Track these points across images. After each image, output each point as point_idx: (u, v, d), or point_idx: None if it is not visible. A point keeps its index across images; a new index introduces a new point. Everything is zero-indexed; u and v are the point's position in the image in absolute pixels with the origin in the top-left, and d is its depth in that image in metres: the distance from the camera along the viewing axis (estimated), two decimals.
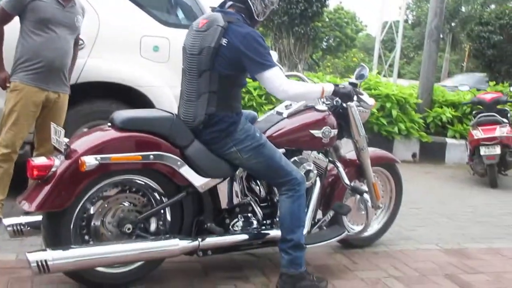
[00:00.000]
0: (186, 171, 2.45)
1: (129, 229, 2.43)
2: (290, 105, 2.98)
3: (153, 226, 2.56)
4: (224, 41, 2.41)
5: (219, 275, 2.76)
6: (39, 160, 2.25)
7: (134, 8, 3.93)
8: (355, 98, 2.89)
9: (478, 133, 6.17)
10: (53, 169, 2.22)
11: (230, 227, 2.69)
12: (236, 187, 2.69)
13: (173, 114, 2.55)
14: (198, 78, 2.49)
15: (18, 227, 2.50)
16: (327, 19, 37.65)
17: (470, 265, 3.31)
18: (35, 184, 2.29)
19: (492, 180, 6.15)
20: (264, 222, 2.81)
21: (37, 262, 2.09)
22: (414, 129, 7.52)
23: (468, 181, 6.44)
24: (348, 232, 3.16)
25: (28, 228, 2.51)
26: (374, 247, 3.46)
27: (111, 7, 3.87)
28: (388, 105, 7.34)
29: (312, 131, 2.84)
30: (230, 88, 2.53)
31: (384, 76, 25.22)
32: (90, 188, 2.33)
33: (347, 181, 3.08)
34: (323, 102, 3.01)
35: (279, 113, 2.93)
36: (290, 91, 2.51)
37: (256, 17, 2.57)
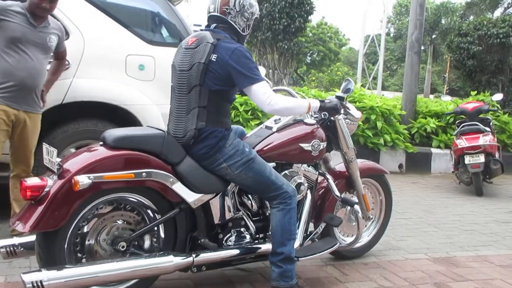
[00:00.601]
0: (179, 188, 2.46)
1: (123, 246, 2.43)
2: (279, 119, 3.02)
3: (147, 243, 2.56)
4: (213, 57, 2.47)
5: None
6: (32, 181, 2.24)
7: (118, 27, 3.95)
8: (342, 111, 2.94)
9: (462, 142, 6.24)
10: (46, 189, 2.22)
11: (224, 242, 2.69)
12: (228, 202, 2.69)
13: (164, 131, 2.56)
14: (188, 93, 2.54)
15: (11, 248, 2.48)
16: (310, 34, 38.18)
17: (459, 273, 3.34)
18: (28, 205, 2.28)
19: (477, 188, 6.21)
20: (257, 236, 2.82)
21: (32, 283, 2.08)
22: (399, 140, 7.60)
23: (454, 190, 6.51)
24: (340, 244, 3.19)
25: (22, 249, 2.50)
26: (364, 258, 3.47)
27: (95, 27, 3.88)
28: (373, 117, 7.42)
29: (301, 145, 2.88)
30: (219, 103, 2.57)
31: (368, 88, 25.49)
32: (84, 207, 2.33)
33: (337, 193, 3.13)
34: (311, 116, 3.05)
35: (269, 128, 2.98)
36: (277, 105, 2.54)
37: (241, 32, 2.66)
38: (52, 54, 3.41)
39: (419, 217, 4.92)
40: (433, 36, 33.72)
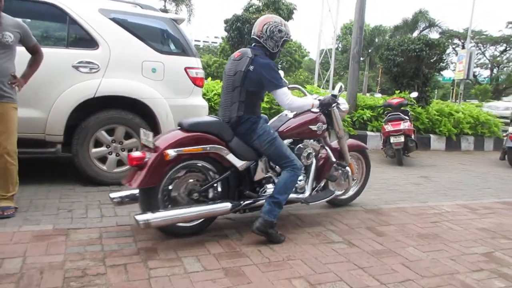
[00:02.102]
0: (231, 157, 2.71)
1: (195, 196, 2.69)
2: None
3: (210, 194, 2.78)
4: (251, 68, 2.68)
5: (206, 235, 2.76)
6: (136, 154, 2.51)
7: (136, 40, 3.86)
8: (334, 105, 3.21)
9: (388, 127, 6.30)
10: (146, 159, 2.47)
11: (259, 193, 2.92)
12: (262, 166, 2.91)
13: (220, 119, 2.78)
14: (232, 92, 2.74)
15: (122, 199, 2.79)
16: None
17: (384, 220, 3.39)
18: (134, 170, 2.52)
19: (399, 160, 6.30)
20: None
21: (144, 221, 2.36)
22: (344, 125, 7.60)
23: (382, 161, 6.57)
24: (336, 194, 3.46)
25: (127, 199, 2.80)
26: (317, 209, 3.50)
27: (119, 40, 3.79)
28: None
29: (310, 126, 3.12)
30: (253, 99, 2.76)
31: (323, 88, 25.56)
32: (170, 171, 2.57)
33: (334, 159, 3.32)
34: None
35: (287, 115, 3.17)
36: (293, 104, 2.80)
37: (271, 50, 2.80)
38: (25, 48, 2.99)
39: None
40: (369, 50, 33.89)
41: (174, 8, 25.73)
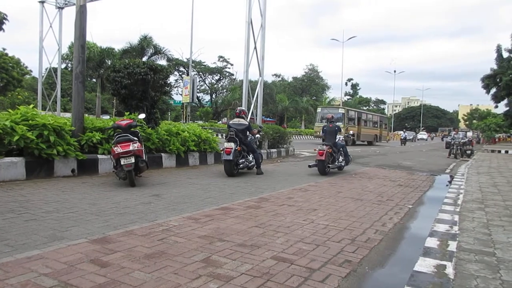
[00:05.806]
0: (332, 151, 9.60)
1: (328, 163, 9.56)
2: (340, 137, 10.32)
3: (330, 161, 9.63)
4: (336, 128, 9.78)
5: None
6: (320, 151, 9.26)
7: None
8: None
9: (118, 149, 6.15)
10: (324, 153, 9.29)
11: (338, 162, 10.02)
12: (337, 153, 9.96)
13: (331, 143, 9.54)
14: (331, 135, 9.70)
15: (312, 165, 9.63)
16: None
17: (110, 248, 3.16)
18: (319, 158, 9.22)
19: (131, 181, 6.24)
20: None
21: (329, 167, 9.50)
22: (71, 150, 6.94)
23: (115, 185, 6.35)
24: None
25: (313, 165, 9.53)
26: (26, 253, 2.91)
27: None
28: (46, 132, 6.55)
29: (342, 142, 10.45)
30: (336, 136, 9.80)
31: (49, 110, 22.92)
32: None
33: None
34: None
35: (339, 137, 10.29)
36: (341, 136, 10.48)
37: (336, 122, 10.65)
38: None
39: (84, 209, 4.51)
40: (101, 72, 32.92)
41: None
